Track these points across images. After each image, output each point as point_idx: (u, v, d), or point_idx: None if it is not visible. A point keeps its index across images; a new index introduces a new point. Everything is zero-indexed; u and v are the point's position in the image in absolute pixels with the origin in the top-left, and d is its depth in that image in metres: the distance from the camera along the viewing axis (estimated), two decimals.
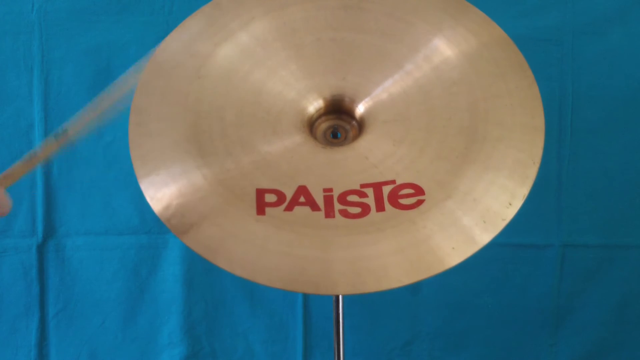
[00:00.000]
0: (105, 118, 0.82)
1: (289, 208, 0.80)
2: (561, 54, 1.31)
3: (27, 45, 1.30)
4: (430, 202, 0.79)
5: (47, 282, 1.35)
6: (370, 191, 0.81)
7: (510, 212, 0.77)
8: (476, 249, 0.75)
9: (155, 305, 1.37)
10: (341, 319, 0.97)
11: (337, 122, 0.94)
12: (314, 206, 0.80)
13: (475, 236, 0.75)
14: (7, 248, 1.33)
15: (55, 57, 1.30)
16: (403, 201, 0.79)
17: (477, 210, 0.77)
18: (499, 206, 0.77)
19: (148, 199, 0.81)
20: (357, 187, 0.81)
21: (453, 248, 0.75)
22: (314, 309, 1.38)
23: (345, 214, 0.79)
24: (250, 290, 1.37)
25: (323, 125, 0.94)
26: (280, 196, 0.81)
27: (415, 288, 1.37)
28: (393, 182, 0.81)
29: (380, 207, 0.79)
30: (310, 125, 0.92)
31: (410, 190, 0.80)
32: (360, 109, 0.91)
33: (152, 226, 1.34)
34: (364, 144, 0.87)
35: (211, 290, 1.36)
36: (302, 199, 0.80)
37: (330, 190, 0.81)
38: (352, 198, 0.80)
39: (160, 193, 0.81)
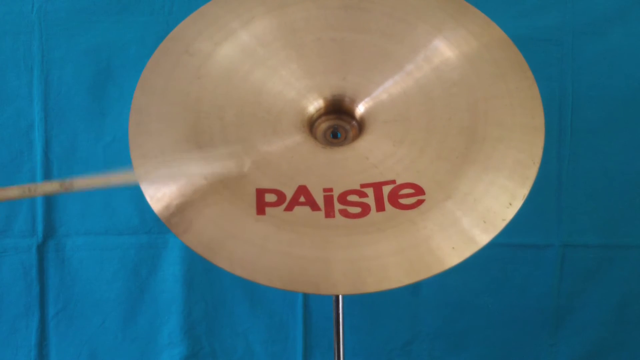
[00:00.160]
0: (115, 185, 0.82)
1: (289, 208, 0.80)
2: (561, 54, 1.31)
3: (27, 45, 1.30)
4: (431, 202, 0.79)
5: (47, 282, 1.35)
6: (370, 191, 0.81)
7: (510, 212, 0.77)
8: (476, 249, 0.75)
9: (155, 305, 1.37)
10: (341, 319, 0.97)
11: (337, 122, 0.94)
12: (314, 206, 0.80)
13: (475, 236, 0.75)
14: (7, 248, 1.33)
15: (55, 57, 1.30)
16: (403, 201, 0.79)
17: (477, 210, 0.77)
18: (499, 206, 0.77)
19: (148, 199, 0.81)
20: (357, 187, 0.81)
21: (453, 248, 0.75)
22: (314, 309, 1.38)
23: (345, 213, 0.79)
24: (250, 290, 1.37)
25: (323, 125, 0.94)
26: (280, 196, 0.81)
27: (415, 288, 1.37)
28: (393, 182, 0.81)
29: (380, 207, 0.79)
30: (311, 125, 0.92)
31: (411, 190, 0.80)
32: (360, 109, 0.91)
33: (152, 226, 1.34)
34: (364, 144, 0.87)
35: (211, 290, 1.36)
36: (302, 199, 0.80)
37: (330, 190, 0.81)
38: (352, 198, 0.80)
39: (160, 193, 0.81)
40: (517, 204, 0.77)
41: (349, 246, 0.76)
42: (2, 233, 1.33)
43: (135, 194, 1.30)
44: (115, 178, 0.82)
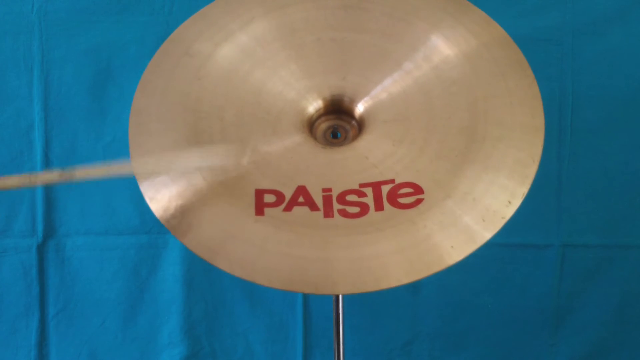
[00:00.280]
0: (115, 175, 0.82)
1: (288, 208, 0.80)
2: (561, 54, 1.31)
3: (27, 45, 1.30)
4: (430, 202, 0.79)
5: (47, 282, 1.35)
6: (369, 191, 0.81)
7: (510, 211, 0.76)
8: (475, 247, 0.75)
9: (155, 305, 1.37)
10: (341, 319, 0.97)
11: (337, 122, 0.94)
12: (313, 206, 0.80)
13: (474, 235, 0.75)
14: (7, 248, 1.33)
15: (55, 57, 1.30)
16: (402, 200, 0.79)
17: (477, 209, 0.77)
18: (498, 205, 0.77)
19: (147, 200, 0.81)
20: (356, 187, 0.81)
21: (452, 247, 0.75)
22: (314, 309, 1.38)
23: (344, 213, 0.79)
24: (250, 290, 1.37)
25: (323, 125, 0.94)
26: (279, 196, 0.81)
27: (415, 288, 1.37)
28: (392, 181, 0.81)
29: (379, 207, 0.79)
30: (310, 125, 0.92)
31: (409, 190, 0.80)
32: (360, 109, 0.91)
33: (152, 226, 1.34)
34: (364, 144, 0.87)
35: (211, 290, 1.36)
36: (301, 199, 0.80)
37: (330, 190, 0.81)
38: (351, 198, 0.80)
39: (160, 194, 0.81)
40: (517, 203, 0.77)
41: (348, 246, 0.76)
42: (2, 233, 1.33)
43: (135, 194, 1.30)
44: (115, 168, 0.82)
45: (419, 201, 0.79)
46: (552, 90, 1.31)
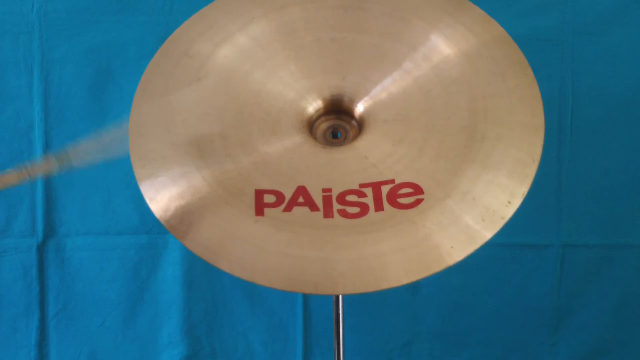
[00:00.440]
0: (107, 152, 0.82)
1: (288, 208, 0.80)
2: (561, 54, 1.31)
3: (27, 45, 1.30)
4: (430, 202, 0.78)
5: (47, 282, 1.35)
6: (369, 191, 0.81)
7: (510, 211, 0.76)
8: (475, 247, 0.75)
9: (155, 306, 1.37)
10: (341, 319, 0.97)
11: (337, 122, 0.94)
12: (313, 206, 0.80)
13: (474, 235, 0.75)
14: (7, 248, 1.33)
15: (55, 57, 1.30)
16: (402, 200, 0.79)
17: (477, 209, 0.77)
18: (498, 205, 0.77)
19: (148, 201, 0.81)
20: (356, 187, 0.81)
21: (452, 247, 0.75)
22: (314, 309, 1.38)
23: (344, 213, 0.79)
24: (250, 290, 1.37)
25: (323, 126, 0.94)
26: (279, 197, 0.81)
27: (414, 288, 1.37)
28: (392, 181, 0.81)
29: (379, 207, 0.79)
30: (310, 125, 0.92)
31: (409, 190, 0.80)
32: (359, 109, 0.91)
33: (152, 226, 1.34)
34: (364, 144, 0.87)
35: (211, 291, 1.36)
36: (300, 199, 0.80)
37: (329, 190, 0.81)
38: (351, 198, 0.80)
39: (160, 194, 0.81)
40: (517, 202, 0.77)
41: (348, 246, 0.76)
42: (2, 233, 1.33)
43: (135, 194, 1.30)
44: (107, 137, 0.82)
45: (418, 201, 0.79)
46: (552, 90, 1.31)
